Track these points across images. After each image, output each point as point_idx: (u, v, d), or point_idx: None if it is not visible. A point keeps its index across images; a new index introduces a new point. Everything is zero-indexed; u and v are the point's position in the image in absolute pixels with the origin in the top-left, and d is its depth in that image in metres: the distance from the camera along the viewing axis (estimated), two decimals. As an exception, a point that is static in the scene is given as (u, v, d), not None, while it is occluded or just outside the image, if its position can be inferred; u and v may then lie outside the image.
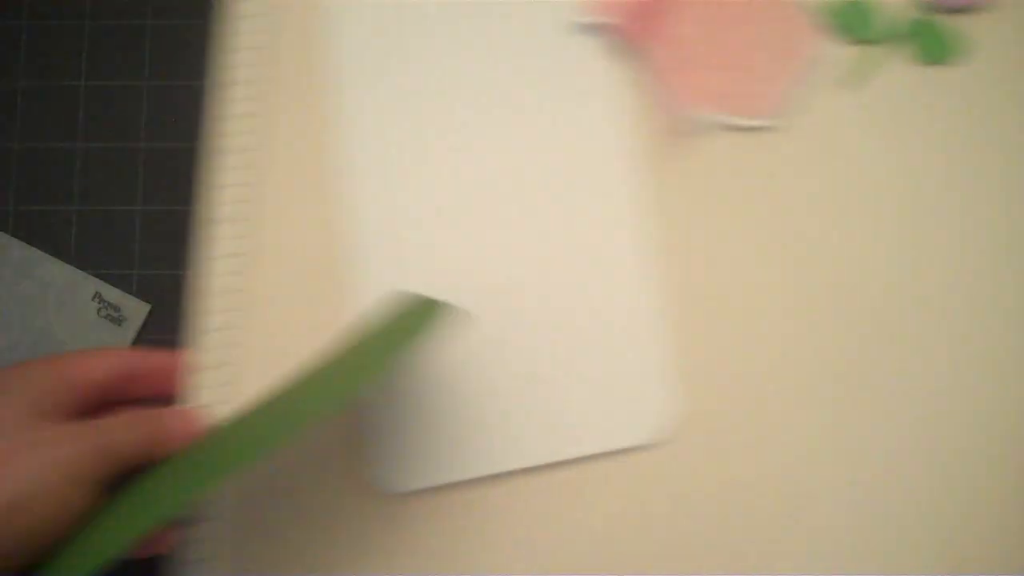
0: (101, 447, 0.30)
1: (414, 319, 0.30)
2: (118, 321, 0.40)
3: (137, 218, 0.41)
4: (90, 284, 0.40)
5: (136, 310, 0.40)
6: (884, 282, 0.37)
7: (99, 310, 0.40)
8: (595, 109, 0.38)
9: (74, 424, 0.30)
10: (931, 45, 0.38)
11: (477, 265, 0.37)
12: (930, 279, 0.37)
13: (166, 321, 0.40)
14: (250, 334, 0.36)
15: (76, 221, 0.41)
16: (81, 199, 0.41)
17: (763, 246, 0.37)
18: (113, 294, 0.40)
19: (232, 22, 0.38)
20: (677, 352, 0.36)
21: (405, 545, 0.35)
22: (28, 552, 0.28)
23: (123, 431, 0.31)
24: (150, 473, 0.31)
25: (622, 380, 0.36)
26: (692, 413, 0.36)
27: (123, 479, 0.31)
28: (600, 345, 0.36)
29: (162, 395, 0.35)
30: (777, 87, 0.38)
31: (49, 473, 0.28)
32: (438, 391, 0.36)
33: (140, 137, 0.41)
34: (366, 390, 0.34)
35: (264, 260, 0.37)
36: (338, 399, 0.28)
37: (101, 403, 0.33)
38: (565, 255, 0.37)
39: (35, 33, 0.42)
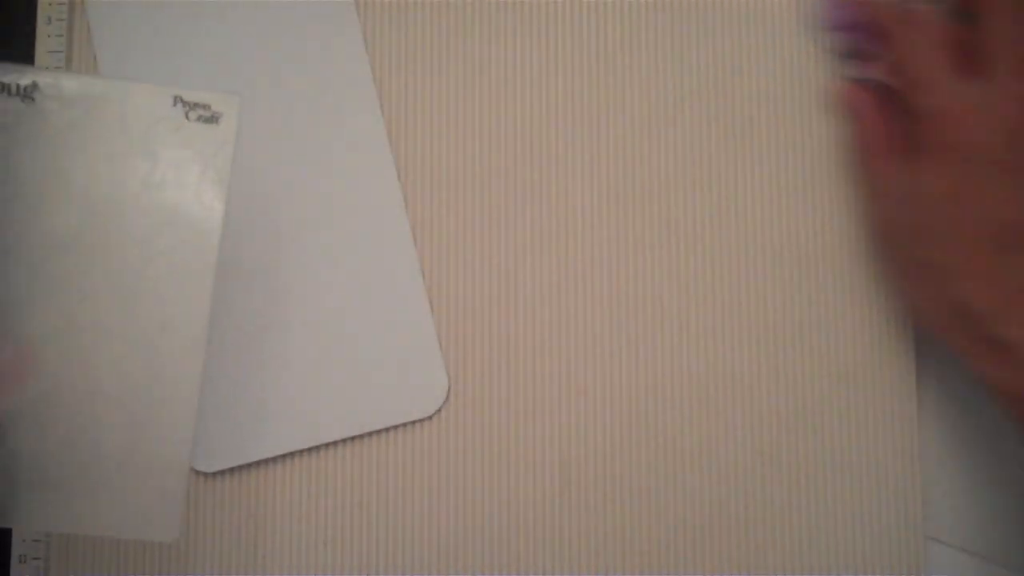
0: None
1: None
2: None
3: None
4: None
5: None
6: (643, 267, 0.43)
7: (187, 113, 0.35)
8: (353, 102, 0.42)
9: None
10: None
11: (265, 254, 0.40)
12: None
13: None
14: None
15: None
16: None
17: (518, 227, 0.42)
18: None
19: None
20: (443, 334, 0.41)
21: (211, 524, 0.41)
22: None
23: None
24: None
25: (398, 363, 0.41)
26: (459, 388, 0.42)
27: None
28: (378, 331, 0.41)
29: None
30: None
31: None
32: (237, 373, 0.40)
33: None
34: None
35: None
36: None
37: None
38: (341, 247, 0.41)
39: None
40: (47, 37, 0.41)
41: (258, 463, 0.41)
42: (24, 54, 0.41)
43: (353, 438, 0.41)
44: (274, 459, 0.41)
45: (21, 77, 0.33)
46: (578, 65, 0.43)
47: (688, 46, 0.44)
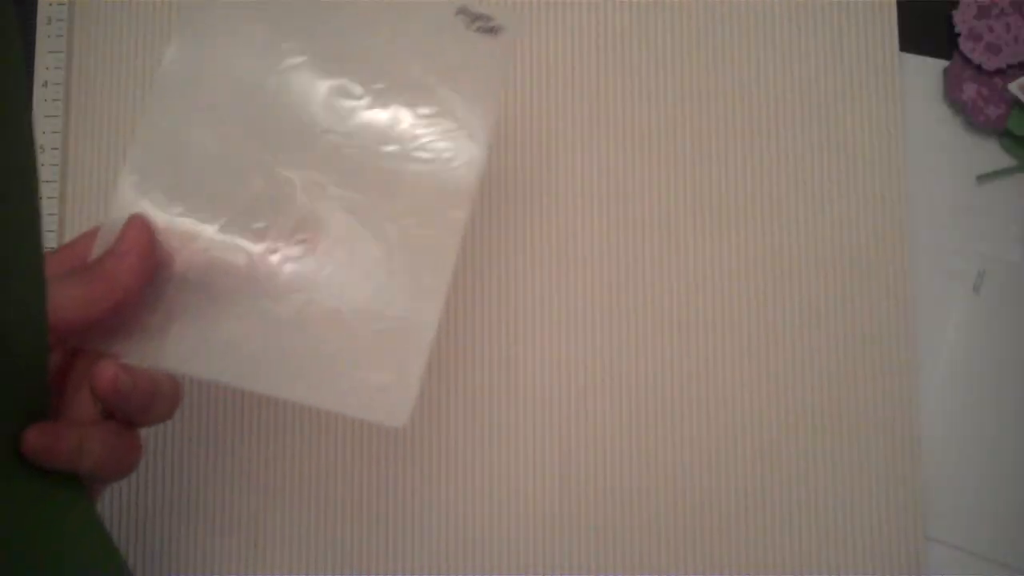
0: None
1: None
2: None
3: None
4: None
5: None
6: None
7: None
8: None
9: None
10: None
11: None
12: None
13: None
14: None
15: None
16: None
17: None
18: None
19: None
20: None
21: (212, 523, 0.41)
22: None
23: None
24: None
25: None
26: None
27: None
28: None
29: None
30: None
31: None
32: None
33: None
34: None
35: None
36: None
37: None
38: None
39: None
40: (47, 37, 0.41)
41: (258, 462, 0.41)
42: (24, 54, 0.41)
43: (351, 439, 0.41)
44: (274, 459, 0.41)
45: None
46: (578, 65, 0.43)
47: (694, 43, 0.44)
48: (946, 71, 0.44)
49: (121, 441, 0.28)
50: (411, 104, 0.33)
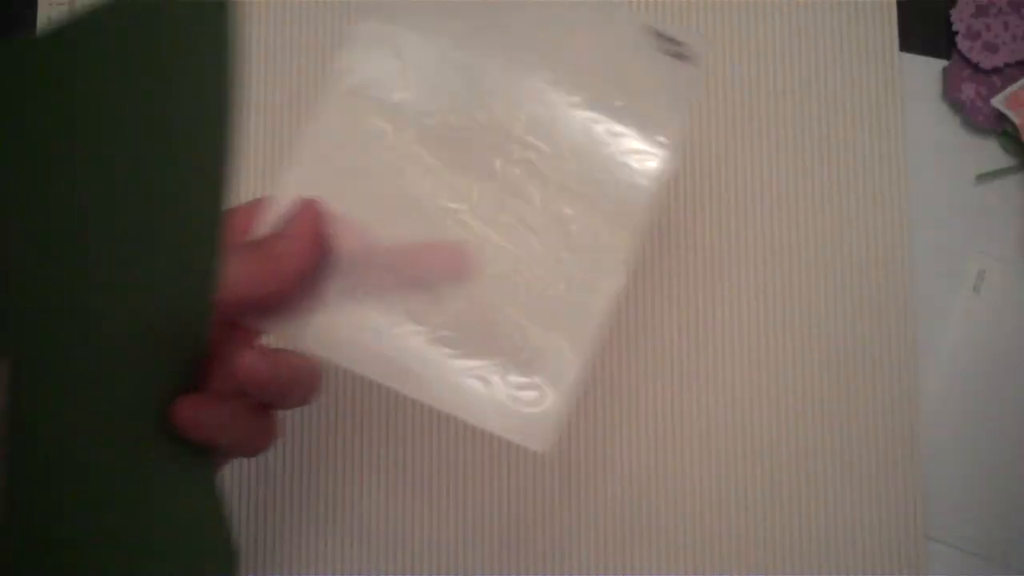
0: None
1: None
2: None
3: None
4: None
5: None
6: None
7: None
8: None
9: None
10: None
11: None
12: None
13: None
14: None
15: None
16: None
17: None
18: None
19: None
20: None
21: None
22: None
23: None
24: None
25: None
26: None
27: None
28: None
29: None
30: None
31: None
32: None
33: None
34: None
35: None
36: None
37: None
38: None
39: None
40: (48, 37, 0.41)
41: (258, 460, 0.41)
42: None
43: (354, 442, 0.41)
44: (273, 457, 0.41)
45: None
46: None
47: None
48: (945, 71, 0.44)
49: (256, 422, 0.28)
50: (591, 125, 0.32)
